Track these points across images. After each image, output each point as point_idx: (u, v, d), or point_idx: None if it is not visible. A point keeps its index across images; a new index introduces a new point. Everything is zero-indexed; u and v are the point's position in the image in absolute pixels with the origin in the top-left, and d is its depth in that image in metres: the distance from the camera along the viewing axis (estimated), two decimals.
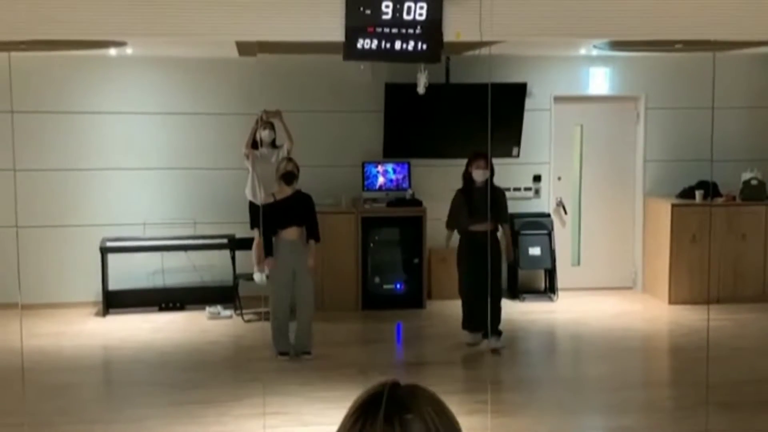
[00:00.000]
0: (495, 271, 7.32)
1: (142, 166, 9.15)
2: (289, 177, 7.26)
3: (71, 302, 8.99)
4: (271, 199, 7.31)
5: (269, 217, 7.22)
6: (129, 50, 8.26)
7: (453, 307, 8.81)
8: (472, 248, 7.25)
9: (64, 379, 6.82)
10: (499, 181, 9.52)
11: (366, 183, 9.21)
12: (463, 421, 5.55)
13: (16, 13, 5.44)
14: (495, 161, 9.04)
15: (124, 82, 9.10)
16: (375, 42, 5.56)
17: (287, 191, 7.28)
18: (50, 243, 9.05)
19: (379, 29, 5.54)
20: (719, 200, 9.27)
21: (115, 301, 8.83)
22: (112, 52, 8.38)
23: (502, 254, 7.45)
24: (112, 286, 8.85)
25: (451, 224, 7.65)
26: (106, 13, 5.55)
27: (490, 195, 7.14)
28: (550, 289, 9.58)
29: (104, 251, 8.73)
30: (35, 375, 6.60)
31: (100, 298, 8.82)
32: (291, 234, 7.26)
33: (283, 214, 7.24)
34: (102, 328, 8.36)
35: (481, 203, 7.03)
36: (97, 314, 8.77)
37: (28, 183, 8.75)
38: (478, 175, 7.27)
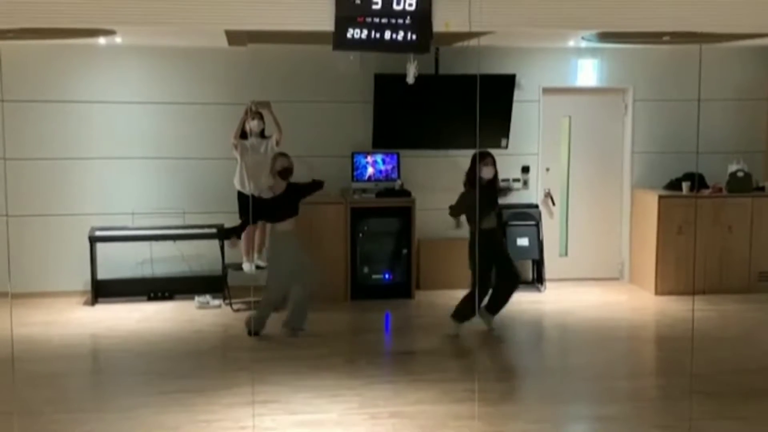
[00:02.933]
0: (510, 260, 7.80)
1: (131, 156, 9.15)
2: (285, 173, 7.51)
3: (60, 291, 9.00)
4: (270, 194, 7.55)
5: (264, 210, 7.58)
6: (118, 39, 8.24)
7: (441, 297, 8.88)
8: (488, 245, 7.49)
9: (53, 368, 6.83)
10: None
11: (355, 174, 9.23)
12: (451, 409, 5.63)
13: (3, 1, 5.43)
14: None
15: (113, 72, 9.09)
16: (365, 32, 5.58)
17: (282, 185, 7.51)
18: (39, 232, 9.04)
19: (368, 19, 5.56)
20: (706, 192, 9.34)
21: (103, 291, 8.84)
22: (101, 41, 8.36)
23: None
24: (101, 275, 8.86)
25: (456, 212, 7.73)
26: (95, 1, 5.55)
27: (493, 190, 7.61)
28: (537, 280, 9.64)
29: (93, 240, 8.73)
30: (24, 364, 6.61)
31: (88, 287, 8.83)
32: (287, 225, 7.50)
33: (279, 208, 7.47)
34: (91, 317, 8.36)
35: (488, 200, 7.52)
36: (85, 303, 8.78)
37: (17, 172, 8.75)
38: (487, 173, 7.53)
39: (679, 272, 9.15)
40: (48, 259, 9.08)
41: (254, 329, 7.57)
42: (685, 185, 9.33)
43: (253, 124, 8.36)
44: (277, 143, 8.34)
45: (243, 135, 8.38)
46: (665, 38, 7.14)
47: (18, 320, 7.69)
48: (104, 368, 7.29)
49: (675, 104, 9.68)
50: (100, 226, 8.94)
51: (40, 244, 9.05)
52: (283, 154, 7.63)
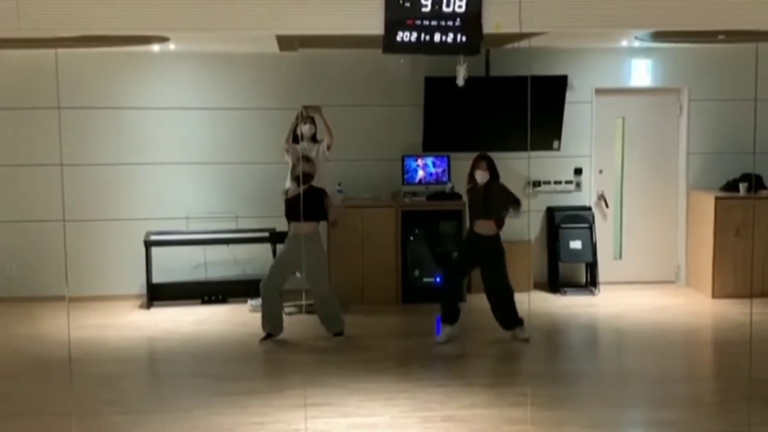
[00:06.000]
0: (502, 271, 7.60)
1: (185, 161, 9.27)
2: (306, 178, 7.54)
3: (116, 295, 9.16)
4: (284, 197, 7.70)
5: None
6: (172, 46, 8.36)
7: None
8: (472, 249, 7.65)
9: (110, 369, 6.95)
10: (539, 174, 9.57)
11: (406, 177, 9.23)
12: (504, 413, 5.57)
13: (61, 10, 5.55)
14: (535, 154, 9.13)
15: (167, 78, 9.22)
16: (414, 35, 5.58)
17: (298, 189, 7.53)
18: (95, 237, 9.20)
19: (418, 22, 5.56)
20: (763, 193, 9.15)
21: (158, 294, 8.97)
22: (155, 48, 8.50)
23: (504, 254, 7.59)
24: (156, 279, 8.99)
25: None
26: (149, 8, 5.63)
27: (489, 191, 7.49)
28: (591, 283, 9.53)
29: (148, 245, 8.86)
30: (82, 365, 6.73)
31: (144, 290, 8.97)
32: (305, 227, 7.45)
33: (294, 208, 7.43)
34: (146, 320, 8.49)
35: (482, 205, 7.50)
36: (141, 306, 8.92)
37: (74, 178, 8.91)
38: (480, 177, 7.54)
39: (737, 275, 8.98)
40: (104, 263, 9.24)
41: (269, 330, 7.61)
42: (742, 186, 9.16)
43: (304, 129, 8.41)
44: (329, 147, 8.38)
45: (295, 139, 8.44)
46: (720, 37, 7.01)
47: (75, 323, 7.84)
48: (159, 370, 7.39)
49: (731, 104, 9.50)
50: (155, 230, 9.07)
51: (97, 248, 9.21)
52: (305, 158, 7.67)
